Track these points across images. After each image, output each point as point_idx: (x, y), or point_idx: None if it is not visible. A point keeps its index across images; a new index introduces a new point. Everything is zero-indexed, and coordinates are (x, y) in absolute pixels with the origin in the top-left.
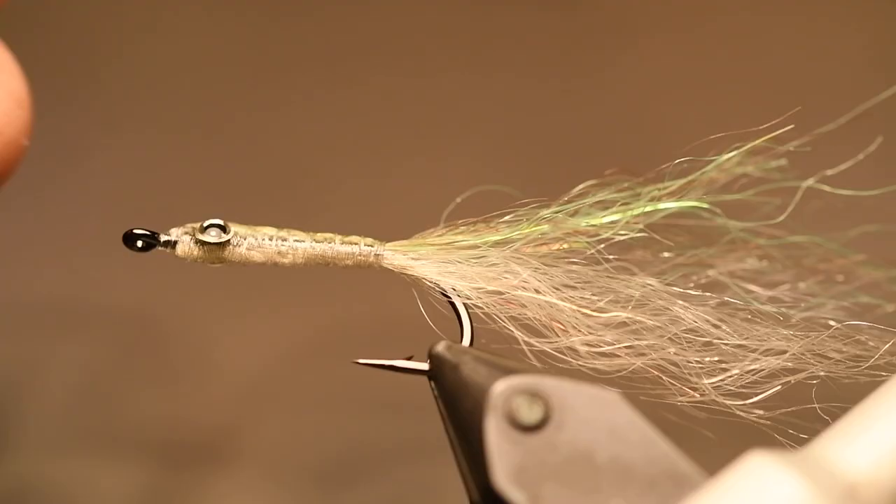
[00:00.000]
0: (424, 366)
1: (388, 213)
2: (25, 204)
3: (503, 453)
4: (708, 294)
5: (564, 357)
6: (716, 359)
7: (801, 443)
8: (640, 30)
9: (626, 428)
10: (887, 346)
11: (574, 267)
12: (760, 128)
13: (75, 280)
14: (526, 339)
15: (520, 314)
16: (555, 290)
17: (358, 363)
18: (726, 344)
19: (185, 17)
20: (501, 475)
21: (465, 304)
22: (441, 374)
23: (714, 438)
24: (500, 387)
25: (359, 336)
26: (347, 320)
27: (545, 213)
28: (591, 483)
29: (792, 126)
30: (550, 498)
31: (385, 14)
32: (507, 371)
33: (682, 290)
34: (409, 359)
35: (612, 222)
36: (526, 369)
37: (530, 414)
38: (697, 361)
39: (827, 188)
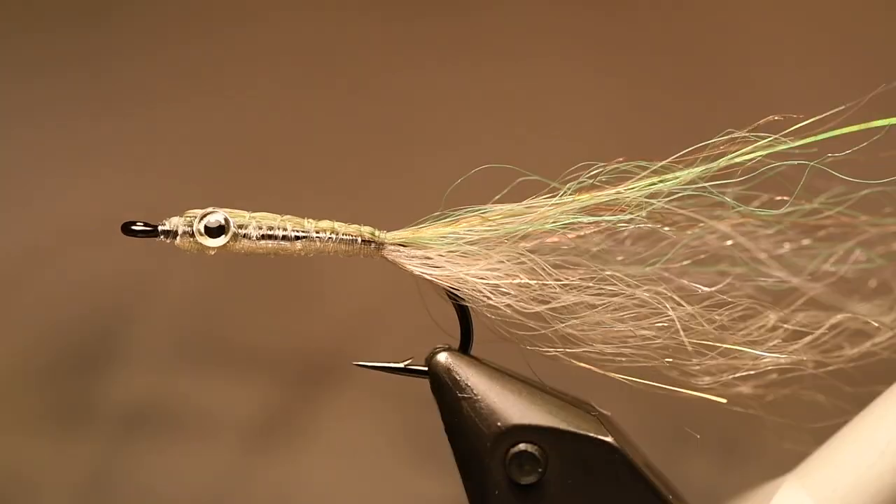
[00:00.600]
0: (424, 368)
1: (388, 196)
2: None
3: None
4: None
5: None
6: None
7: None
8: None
9: (621, 473)
10: None
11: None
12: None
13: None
14: (530, 324)
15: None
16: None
17: (357, 366)
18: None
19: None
20: None
21: (467, 306)
22: (440, 395)
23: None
24: (497, 452)
25: None
26: None
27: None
28: None
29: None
30: None
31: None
32: (504, 415)
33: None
34: (407, 361)
35: (620, 205)
36: (521, 411)
37: (526, 478)
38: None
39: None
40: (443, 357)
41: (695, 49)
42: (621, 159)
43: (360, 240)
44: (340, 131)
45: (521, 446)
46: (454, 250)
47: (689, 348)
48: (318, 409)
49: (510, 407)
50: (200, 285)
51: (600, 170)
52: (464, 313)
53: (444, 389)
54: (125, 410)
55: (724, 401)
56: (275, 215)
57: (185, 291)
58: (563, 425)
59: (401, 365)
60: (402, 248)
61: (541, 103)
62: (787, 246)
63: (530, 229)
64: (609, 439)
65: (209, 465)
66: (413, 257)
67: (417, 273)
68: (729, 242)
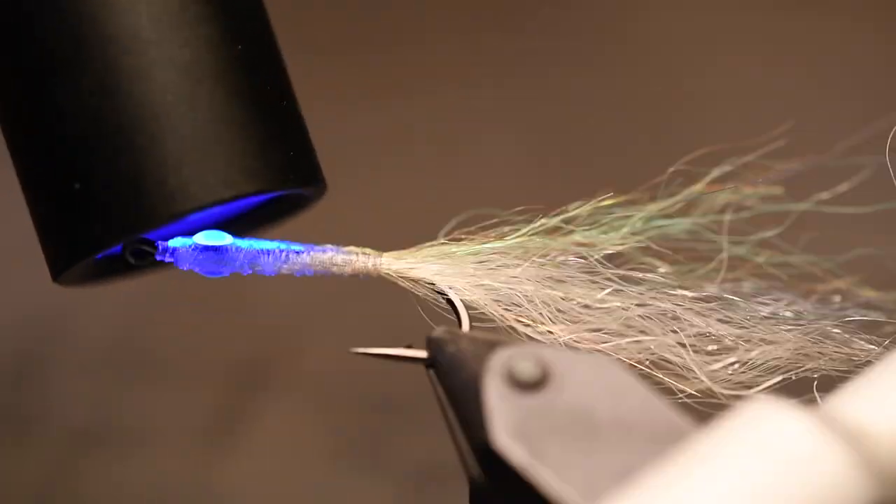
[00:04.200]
0: (423, 353)
1: (385, 227)
2: None
3: (503, 411)
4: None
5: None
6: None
7: None
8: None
9: (625, 389)
10: None
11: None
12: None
13: None
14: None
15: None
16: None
17: (354, 352)
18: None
19: None
20: (502, 433)
21: (461, 300)
22: (440, 353)
23: None
24: (500, 351)
25: None
26: None
27: (541, 224)
28: (591, 438)
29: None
30: (552, 453)
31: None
32: (507, 342)
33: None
34: (408, 347)
35: (610, 234)
36: (524, 343)
37: (529, 373)
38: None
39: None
40: (442, 328)
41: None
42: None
43: (356, 259)
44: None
45: (523, 362)
46: (452, 272)
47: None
48: (254, 415)
49: (512, 341)
50: (129, 296)
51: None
52: (453, 305)
53: (444, 344)
54: (60, 425)
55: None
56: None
57: (115, 303)
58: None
59: (399, 352)
60: (399, 267)
61: None
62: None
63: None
64: (614, 357)
65: (149, 476)
66: (410, 278)
67: (417, 292)
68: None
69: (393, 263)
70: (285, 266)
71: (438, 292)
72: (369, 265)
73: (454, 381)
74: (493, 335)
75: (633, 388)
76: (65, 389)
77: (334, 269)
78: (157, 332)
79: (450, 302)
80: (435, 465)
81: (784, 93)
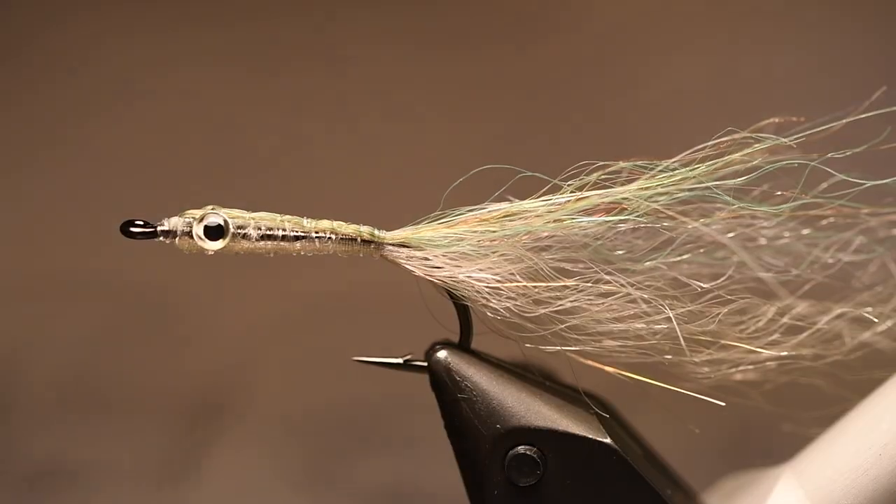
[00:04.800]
0: (423, 363)
1: (386, 196)
2: (22, 182)
3: None
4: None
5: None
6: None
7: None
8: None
9: (619, 474)
10: None
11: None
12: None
13: (76, 255)
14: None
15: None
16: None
17: (357, 361)
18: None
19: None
20: None
21: (467, 305)
22: (439, 393)
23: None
24: (496, 454)
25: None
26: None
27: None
28: None
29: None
30: None
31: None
32: (502, 417)
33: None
34: (406, 357)
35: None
36: (520, 412)
37: (525, 479)
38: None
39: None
40: (442, 355)
41: None
42: (621, 161)
43: (359, 240)
44: (343, 128)
45: (520, 449)
46: (454, 250)
47: (685, 346)
48: (209, 449)
49: (509, 408)
50: (78, 336)
51: (599, 170)
52: (464, 312)
53: (444, 388)
54: (15, 466)
55: (722, 404)
56: (274, 215)
57: (65, 342)
58: (561, 427)
59: (400, 360)
60: (401, 249)
61: None
62: (786, 237)
63: (529, 229)
64: (607, 440)
65: None
66: (412, 257)
67: (417, 274)
68: (729, 236)
69: (396, 249)
70: (286, 250)
71: (452, 297)
72: (370, 248)
73: (456, 440)
74: (491, 385)
75: (627, 474)
76: (18, 432)
77: (338, 250)
78: (108, 371)
79: (458, 307)
80: (395, 486)
81: None
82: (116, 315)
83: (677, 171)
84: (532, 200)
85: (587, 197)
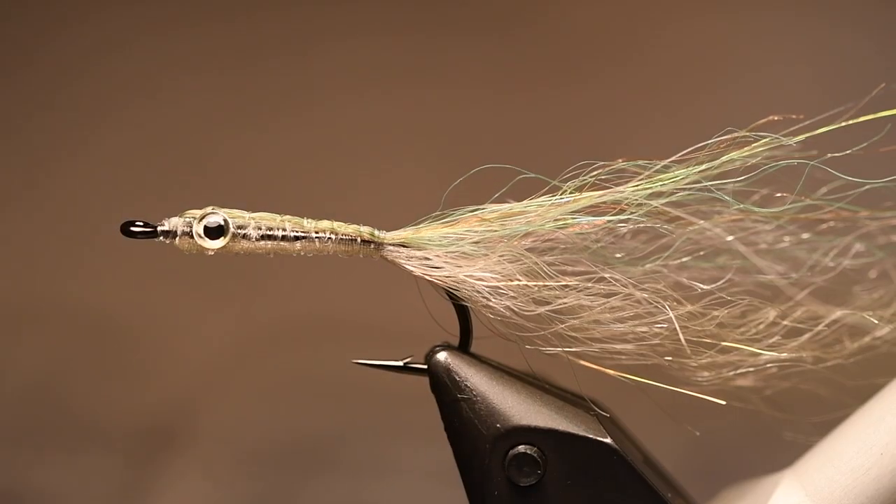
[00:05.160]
0: (423, 366)
1: (386, 196)
2: None
3: None
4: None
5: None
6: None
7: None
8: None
9: (619, 474)
10: None
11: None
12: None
13: (28, 282)
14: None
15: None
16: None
17: (357, 363)
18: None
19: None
20: None
21: (467, 306)
22: (439, 394)
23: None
24: (497, 454)
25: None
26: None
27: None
28: None
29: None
30: None
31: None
32: (503, 417)
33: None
34: (407, 359)
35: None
36: (520, 412)
37: (526, 479)
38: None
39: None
40: (442, 357)
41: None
42: (621, 159)
43: (359, 240)
44: (343, 128)
45: (521, 448)
46: (454, 250)
47: (686, 347)
48: (158, 478)
49: (509, 408)
50: (30, 364)
51: (599, 169)
52: (463, 313)
53: (443, 389)
54: None
55: (723, 402)
56: (274, 215)
57: (17, 371)
58: (561, 427)
59: (400, 363)
60: (401, 249)
61: None
62: (786, 241)
63: (529, 229)
64: (608, 440)
65: None
66: (412, 258)
67: (417, 274)
68: (729, 238)
69: (396, 249)
70: (286, 250)
71: (452, 299)
72: (370, 248)
73: (455, 443)
74: (491, 387)
75: (627, 474)
76: None
77: (338, 250)
78: (60, 399)
79: (458, 308)
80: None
81: None
82: (70, 343)
83: (678, 172)
84: (532, 200)
85: (587, 197)
